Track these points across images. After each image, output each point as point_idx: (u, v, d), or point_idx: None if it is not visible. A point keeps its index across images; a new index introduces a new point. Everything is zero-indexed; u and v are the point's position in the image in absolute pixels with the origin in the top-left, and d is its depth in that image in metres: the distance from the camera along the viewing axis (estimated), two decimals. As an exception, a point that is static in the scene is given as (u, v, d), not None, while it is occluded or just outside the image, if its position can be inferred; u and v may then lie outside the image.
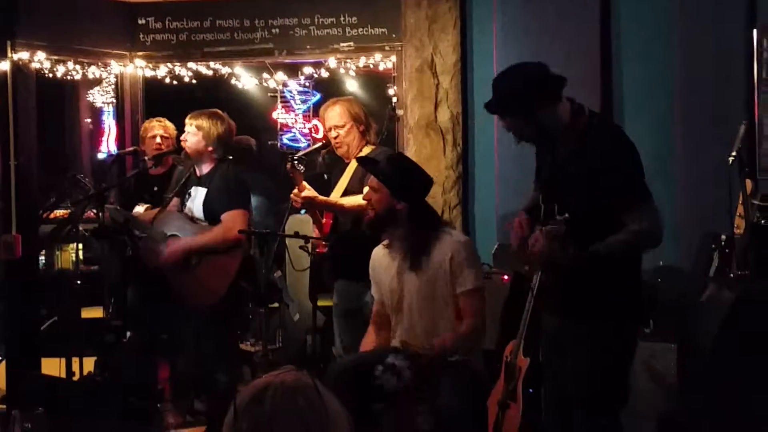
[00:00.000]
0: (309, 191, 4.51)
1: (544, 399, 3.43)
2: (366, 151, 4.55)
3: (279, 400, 1.58)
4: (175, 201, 4.75)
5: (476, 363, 3.78)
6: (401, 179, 3.84)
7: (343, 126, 4.56)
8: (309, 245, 4.46)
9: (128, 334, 5.15)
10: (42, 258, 6.60)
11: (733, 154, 3.48)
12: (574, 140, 3.07)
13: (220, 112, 4.67)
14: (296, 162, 4.40)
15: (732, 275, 3.65)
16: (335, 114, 4.59)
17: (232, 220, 4.41)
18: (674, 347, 3.58)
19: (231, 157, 4.67)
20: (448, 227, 3.98)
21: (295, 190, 4.50)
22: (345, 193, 4.56)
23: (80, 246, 6.29)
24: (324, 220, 4.71)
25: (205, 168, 4.62)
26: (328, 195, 4.62)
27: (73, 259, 6.59)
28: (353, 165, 4.53)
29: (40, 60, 5.51)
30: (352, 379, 3.65)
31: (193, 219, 4.58)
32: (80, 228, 5.00)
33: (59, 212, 4.96)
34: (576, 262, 2.96)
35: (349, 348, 4.44)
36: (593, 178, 2.99)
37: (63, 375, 4.77)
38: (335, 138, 4.59)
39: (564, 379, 3.19)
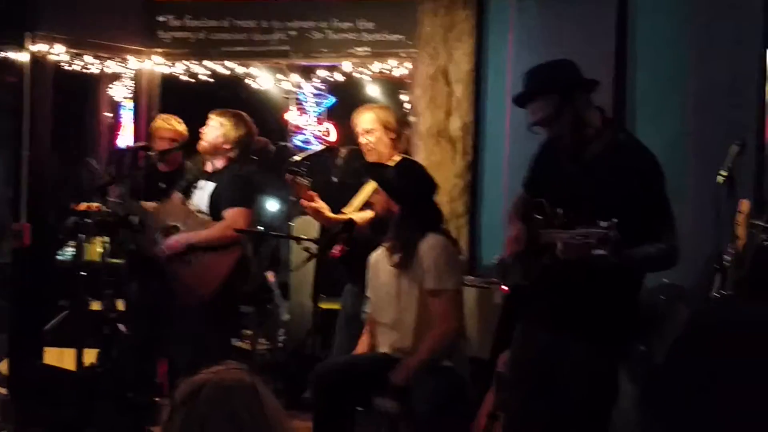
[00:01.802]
0: (318, 203, 4.47)
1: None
2: (398, 159, 4.51)
3: (213, 399, 1.55)
4: (178, 195, 4.76)
5: (458, 368, 3.78)
6: (398, 183, 3.88)
7: (372, 132, 4.54)
8: (311, 247, 4.45)
9: (127, 327, 5.17)
10: (71, 250, 6.67)
11: (723, 173, 3.43)
12: (602, 149, 3.03)
13: (245, 114, 4.70)
14: (297, 173, 4.36)
15: (717, 294, 3.61)
16: (366, 119, 4.57)
17: (233, 218, 4.42)
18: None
19: (255, 158, 4.69)
20: (442, 232, 3.96)
21: (303, 201, 4.47)
22: (367, 203, 4.54)
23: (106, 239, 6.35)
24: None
25: (218, 164, 4.66)
26: (337, 199, 4.61)
27: (99, 250, 6.66)
28: None
29: (58, 53, 5.56)
30: (337, 381, 3.67)
31: (196, 211, 4.61)
32: (88, 220, 5.03)
33: (93, 204, 4.99)
34: (609, 266, 2.82)
35: (345, 352, 4.44)
36: (622, 192, 2.93)
37: (65, 365, 4.81)
38: (365, 144, 4.58)
39: (540, 392, 3.14)
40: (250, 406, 1.56)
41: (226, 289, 4.44)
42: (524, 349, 3.26)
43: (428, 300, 3.77)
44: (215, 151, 4.61)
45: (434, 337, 3.72)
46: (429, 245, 3.80)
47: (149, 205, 4.75)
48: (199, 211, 4.59)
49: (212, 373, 1.60)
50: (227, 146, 4.59)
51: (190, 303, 4.54)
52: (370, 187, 4.52)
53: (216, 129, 4.58)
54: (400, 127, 4.60)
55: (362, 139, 4.57)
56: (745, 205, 3.68)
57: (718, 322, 3.00)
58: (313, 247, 4.42)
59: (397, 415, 3.60)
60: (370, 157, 4.57)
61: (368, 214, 4.37)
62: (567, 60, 3.11)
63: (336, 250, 4.18)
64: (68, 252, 6.65)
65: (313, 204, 4.46)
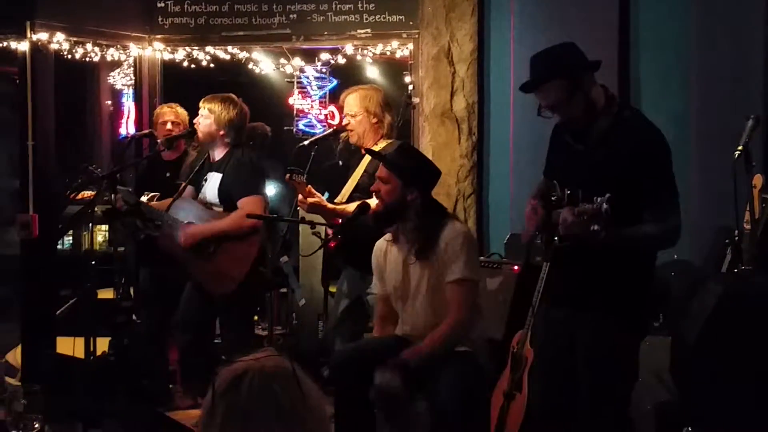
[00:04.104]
0: (315, 198, 4.40)
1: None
2: (381, 144, 4.48)
3: (256, 386, 1.55)
4: (190, 190, 4.77)
5: (478, 353, 3.76)
6: (413, 169, 3.81)
7: (354, 115, 4.52)
8: (321, 231, 4.46)
9: (138, 314, 5.19)
10: (69, 239, 6.69)
11: (739, 148, 3.45)
12: (608, 126, 3.06)
13: (233, 96, 4.70)
14: (294, 173, 4.34)
15: (735, 270, 3.63)
16: (349, 101, 4.57)
17: (249, 206, 4.43)
18: (668, 340, 3.56)
19: (251, 143, 4.68)
20: (453, 217, 3.93)
21: (300, 197, 4.40)
22: (356, 188, 4.51)
23: (105, 228, 6.38)
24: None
25: (219, 153, 4.66)
26: (342, 184, 4.60)
27: (99, 240, 6.69)
28: (366, 159, 4.46)
29: (59, 41, 5.54)
30: (356, 369, 3.67)
31: (207, 205, 4.62)
32: (96, 210, 5.05)
33: (86, 193, 5.01)
34: (604, 242, 2.87)
35: (346, 336, 4.47)
36: (628, 168, 2.97)
37: (76, 354, 4.83)
38: (347, 125, 4.57)
39: (564, 371, 3.18)
40: (290, 391, 1.57)
41: (250, 278, 4.45)
42: (546, 328, 3.31)
43: (446, 288, 3.71)
44: (212, 139, 4.63)
45: (448, 326, 3.66)
46: (452, 234, 3.72)
47: (160, 203, 4.76)
48: (212, 204, 4.60)
49: (252, 361, 1.60)
50: (222, 132, 4.61)
51: (217, 294, 4.55)
52: (360, 168, 4.51)
53: (207, 117, 4.60)
54: (383, 112, 4.52)
55: (345, 120, 4.57)
56: (758, 179, 3.69)
57: (752, 296, 3.02)
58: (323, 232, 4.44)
59: (396, 394, 3.50)
60: (352, 139, 4.55)
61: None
62: (570, 43, 3.13)
63: (331, 243, 4.16)
64: (67, 241, 6.68)
65: (310, 199, 4.38)
